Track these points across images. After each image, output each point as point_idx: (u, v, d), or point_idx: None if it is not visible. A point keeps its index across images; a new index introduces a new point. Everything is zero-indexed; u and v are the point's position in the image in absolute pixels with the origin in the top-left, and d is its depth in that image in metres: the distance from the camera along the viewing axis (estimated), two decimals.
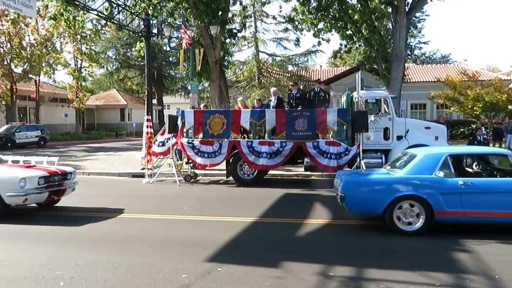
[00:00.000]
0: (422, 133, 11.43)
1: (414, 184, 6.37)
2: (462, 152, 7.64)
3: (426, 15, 45.53)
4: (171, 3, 16.34)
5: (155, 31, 32.27)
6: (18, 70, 32.15)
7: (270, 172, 13.00)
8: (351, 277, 4.74)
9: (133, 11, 17.54)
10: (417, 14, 37.82)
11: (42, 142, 28.35)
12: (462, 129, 27.34)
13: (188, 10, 15.73)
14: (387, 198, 6.37)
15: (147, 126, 13.01)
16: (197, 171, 13.06)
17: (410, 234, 6.31)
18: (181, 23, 16.68)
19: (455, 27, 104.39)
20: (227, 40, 18.55)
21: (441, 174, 6.40)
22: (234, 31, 18.75)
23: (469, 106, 22.10)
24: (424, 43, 52.66)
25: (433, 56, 53.88)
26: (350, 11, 17.71)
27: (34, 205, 8.43)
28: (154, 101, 43.56)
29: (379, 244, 6.07)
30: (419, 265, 5.04)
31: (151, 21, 18.36)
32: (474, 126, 25.23)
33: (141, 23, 17.92)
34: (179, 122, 12.33)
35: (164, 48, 43.18)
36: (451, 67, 34.34)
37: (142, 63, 40.34)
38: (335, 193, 7.48)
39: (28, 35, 32.19)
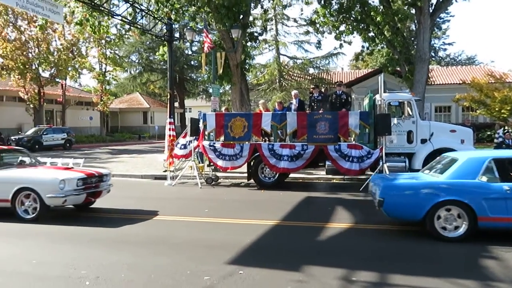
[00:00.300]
0: (447, 136, 11.20)
1: (456, 189, 6.18)
2: (507, 156, 7.34)
3: (451, 16, 44.63)
4: (193, 7, 16.53)
5: (177, 35, 32.69)
6: (46, 74, 33.13)
7: (291, 175, 12.95)
8: (374, 282, 4.67)
9: (156, 16, 17.81)
10: (442, 15, 37.14)
11: (68, 144, 29.12)
12: (488, 132, 26.59)
13: (210, 14, 15.89)
14: (428, 203, 6.20)
15: (169, 129, 13.20)
16: (219, 174, 13.14)
17: (452, 240, 6.11)
18: (203, 27, 16.86)
19: (482, 28, 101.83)
20: (248, 43, 18.63)
21: (485, 179, 6.19)
22: (255, 34, 18.82)
23: (496, 109, 21.48)
24: (449, 44, 51.50)
25: (458, 57, 52.79)
26: (372, 13, 17.53)
27: (71, 206, 8.68)
28: (176, 104, 44.08)
29: (403, 249, 5.97)
30: (445, 271, 4.93)
31: (173, 26, 18.59)
32: (501, 129, 24.53)
33: (164, 27, 18.14)
34: (201, 125, 12.44)
35: (186, 52, 43.71)
36: (477, 68, 33.52)
37: (164, 67, 40.82)
38: (372, 198, 7.37)
39: (55, 41, 33.13)
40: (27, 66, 30.42)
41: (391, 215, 6.74)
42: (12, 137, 27.19)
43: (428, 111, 27.32)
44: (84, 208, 8.89)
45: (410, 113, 11.21)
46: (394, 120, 11.02)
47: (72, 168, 8.83)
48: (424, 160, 10.87)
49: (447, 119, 29.90)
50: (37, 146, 26.65)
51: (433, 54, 42.67)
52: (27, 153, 9.72)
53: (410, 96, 11.51)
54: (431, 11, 16.33)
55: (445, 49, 49.69)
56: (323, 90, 15.15)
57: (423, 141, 11.12)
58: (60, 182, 7.58)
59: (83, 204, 8.49)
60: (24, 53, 30.47)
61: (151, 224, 7.61)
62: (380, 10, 17.53)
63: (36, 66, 31.56)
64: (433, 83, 26.56)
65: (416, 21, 16.99)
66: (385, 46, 19.09)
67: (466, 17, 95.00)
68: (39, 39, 31.01)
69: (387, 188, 6.68)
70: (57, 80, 33.89)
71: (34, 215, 7.74)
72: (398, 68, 19.84)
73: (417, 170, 11.05)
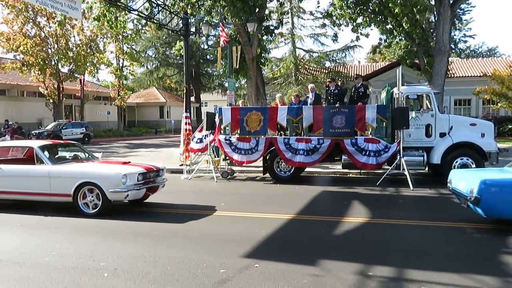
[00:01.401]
0: (467, 130, 10.96)
1: None
2: None
3: (471, 7, 43.34)
4: (209, 1, 16.53)
5: (193, 29, 32.87)
6: (65, 69, 33.69)
7: (307, 169, 12.90)
8: (391, 277, 4.62)
9: (172, 11, 17.89)
10: (462, 6, 36.26)
11: (86, 139, 29.64)
12: (510, 126, 25.98)
13: (226, 8, 15.87)
14: None
15: (186, 123, 13.26)
16: (234, 168, 13.18)
17: None
18: (218, 21, 16.85)
19: (503, 18, 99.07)
20: (264, 37, 18.57)
21: None
22: (271, 28, 18.75)
23: None
24: (470, 36, 50.38)
25: (479, 49, 51.61)
26: (390, 5, 17.20)
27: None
28: (192, 98, 44.30)
29: (420, 244, 5.88)
30: (463, 267, 4.84)
31: (189, 20, 18.65)
32: None
33: (180, 22, 18.22)
34: (217, 119, 12.47)
35: (202, 46, 43.89)
36: (498, 60, 32.71)
37: (180, 62, 41.12)
38: (455, 195, 7.03)
39: (74, 36, 33.62)
40: (46, 62, 30.99)
41: (490, 213, 6.21)
42: (32, 132, 27.83)
43: (447, 105, 26.80)
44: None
45: (429, 106, 11.00)
46: (412, 114, 10.83)
47: (130, 162, 8.72)
48: (443, 154, 10.68)
49: (467, 112, 29.32)
50: None
51: (452, 46, 41.72)
52: (81, 147, 9.64)
53: (429, 89, 11.29)
54: (451, 2, 15.95)
55: (465, 41, 48.57)
56: (339, 83, 14.99)
57: (442, 135, 10.91)
58: (123, 177, 7.52)
59: (141, 199, 8.36)
60: (44, 49, 31.03)
61: (167, 217, 7.68)
62: (399, 1, 17.17)
63: (56, 61, 32.12)
64: (452, 75, 26.06)
65: (435, 13, 16.61)
66: (403, 38, 18.74)
67: (487, 7, 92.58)
68: (58, 35, 31.55)
69: (486, 184, 6.03)
70: (76, 75, 34.43)
71: (96, 210, 7.69)
72: (417, 61, 19.50)
73: (435, 165, 10.91)
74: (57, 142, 9.91)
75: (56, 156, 8.80)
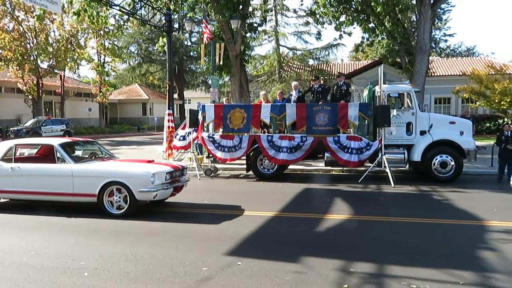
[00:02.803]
0: (447, 128, 11.17)
1: None
2: None
3: (451, 6, 44.03)
4: None
5: (176, 26, 32.49)
6: (44, 65, 32.96)
7: (290, 166, 12.95)
8: (372, 273, 4.69)
9: (155, 6, 17.69)
10: (442, 6, 36.88)
11: (67, 136, 29.06)
12: (488, 124, 26.59)
13: (209, 4, 15.76)
14: None
15: (169, 120, 13.17)
16: (218, 165, 13.14)
17: None
18: (202, 17, 16.73)
19: (482, 19, 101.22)
20: (248, 34, 18.50)
21: None
22: (255, 25, 18.68)
23: (496, 100, 21.48)
24: (450, 35, 51.26)
25: (458, 49, 52.52)
26: (372, 4, 17.34)
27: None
28: (175, 95, 43.99)
29: (401, 240, 5.98)
30: (443, 263, 4.94)
31: (172, 16, 18.46)
32: (501, 121, 24.47)
33: (163, 18, 18.01)
34: (200, 116, 12.40)
35: (185, 43, 43.55)
36: (477, 60, 33.40)
37: (163, 58, 40.69)
38: None
39: (54, 31, 32.93)
40: (25, 57, 30.29)
41: None
42: (11, 129, 27.17)
43: (428, 103, 27.27)
44: None
45: (410, 105, 11.17)
46: (394, 112, 10.97)
47: (153, 161, 8.32)
48: (423, 152, 10.86)
49: (446, 110, 29.85)
50: None
51: (433, 45, 42.41)
52: (99, 145, 9.17)
53: (410, 88, 11.46)
54: (432, 1, 16.20)
55: (445, 40, 49.36)
56: (322, 82, 15.07)
57: (422, 132, 11.10)
58: (152, 176, 7.21)
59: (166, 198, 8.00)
60: (23, 44, 30.31)
61: (148, 215, 7.60)
62: (381, 0, 17.38)
63: (35, 57, 31.42)
64: (433, 74, 26.48)
65: (417, 12, 16.85)
66: (385, 37, 18.95)
67: (465, 7, 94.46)
68: (37, 30, 30.83)
69: None
70: (56, 71, 33.73)
71: (123, 210, 7.34)
72: (398, 60, 19.74)
73: (416, 162, 11.10)
74: (76, 139, 9.36)
75: (76, 155, 8.38)
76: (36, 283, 4.51)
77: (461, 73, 26.75)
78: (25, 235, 6.45)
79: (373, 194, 9.81)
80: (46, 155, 8.38)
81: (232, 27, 15.91)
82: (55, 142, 8.02)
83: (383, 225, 6.84)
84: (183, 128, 13.49)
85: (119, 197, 7.38)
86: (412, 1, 17.32)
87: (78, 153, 8.63)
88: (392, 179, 10.24)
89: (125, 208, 7.37)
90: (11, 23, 30.33)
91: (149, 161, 8.18)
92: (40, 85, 32.40)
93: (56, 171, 7.66)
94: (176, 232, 6.44)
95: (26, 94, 32.01)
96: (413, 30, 19.44)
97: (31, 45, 31.28)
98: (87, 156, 8.57)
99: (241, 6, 16.30)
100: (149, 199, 7.54)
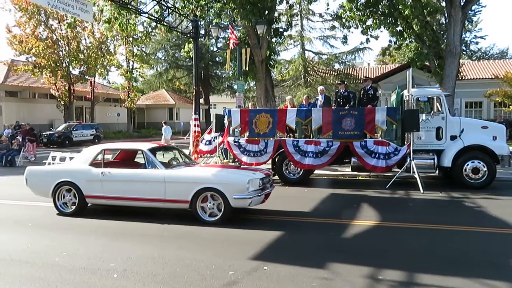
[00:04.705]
0: (479, 132, 10.82)
1: None
2: None
3: (482, 7, 42.81)
4: (219, 4, 16.59)
5: (202, 32, 32.94)
6: (76, 72, 34.04)
7: (316, 171, 12.86)
8: (401, 281, 4.58)
9: (182, 13, 17.98)
10: (473, 7, 35.91)
11: (96, 140, 29.85)
12: None
13: (235, 10, 15.91)
14: None
15: (195, 125, 13.32)
16: None
17: None
18: (228, 23, 16.90)
19: None
20: (273, 39, 18.56)
21: None
22: (280, 30, 18.72)
23: None
24: (481, 37, 49.53)
25: (490, 51, 50.95)
26: (400, 6, 17.08)
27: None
28: (201, 100, 44.50)
29: (431, 248, 5.81)
30: (475, 271, 4.77)
31: (199, 23, 18.72)
32: None
33: (190, 24, 18.30)
34: (226, 121, 12.48)
35: (211, 48, 44.03)
36: (510, 62, 32.30)
37: (190, 64, 41.28)
38: None
39: (85, 39, 33.98)
40: (58, 64, 31.35)
41: None
42: (43, 133, 28.14)
43: (458, 107, 26.55)
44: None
45: (440, 109, 10.89)
46: (423, 116, 10.74)
47: (241, 166, 8.20)
48: (454, 157, 10.57)
49: (478, 115, 28.97)
50: (67, 142, 27.57)
51: (464, 48, 41.31)
52: (180, 151, 9.08)
53: (439, 92, 11.19)
54: (462, 3, 15.80)
55: (476, 43, 47.91)
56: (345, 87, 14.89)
57: (453, 137, 10.80)
58: (248, 183, 7.05)
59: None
60: (55, 51, 31.39)
61: (172, 219, 7.68)
62: (409, 3, 17.06)
63: (67, 64, 32.48)
64: (463, 78, 25.76)
65: (446, 14, 16.46)
66: (413, 40, 18.57)
67: (497, 7, 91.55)
68: (69, 38, 31.89)
69: None
70: (87, 77, 34.77)
71: (217, 217, 7.14)
72: (427, 63, 19.32)
73: (446, 168, 10.80)
74: (161, 145, 9.22)
75: (164, 160, 8.29)
76: (68, 283, 4.63)
77: (493, 76, 25.94)
78: (56, 236, 6.66)
79: (401, 200, 9.60)
80: (128, 160, 8.34)
81: (258, 33, 15.99)
82: (145, 147, 7.91)
83: (412, 232, 6.68)
84: (209, 132, 13.61)
85: (213, 204, 7.19)
86: (442, 3, 16.94)
87: (160, 158, 8.38)
88: (421, 185, 9.99)
89: (218, 216, 7.17)
90: (45, 31, 31.52)
91: (237, 167, 8.06)
92: (72, 91, 33.44)
93: (149, 177, 7.52)
94: (201, 236, 6.49)
95: (58, 99, 33.14)
96: (442, 32, 19.02)
97: (64, 52, 32.35)
98: (174, 162, 8.38)
99: (267, 12, 16.39)
100: (244, 206, 7.28)
